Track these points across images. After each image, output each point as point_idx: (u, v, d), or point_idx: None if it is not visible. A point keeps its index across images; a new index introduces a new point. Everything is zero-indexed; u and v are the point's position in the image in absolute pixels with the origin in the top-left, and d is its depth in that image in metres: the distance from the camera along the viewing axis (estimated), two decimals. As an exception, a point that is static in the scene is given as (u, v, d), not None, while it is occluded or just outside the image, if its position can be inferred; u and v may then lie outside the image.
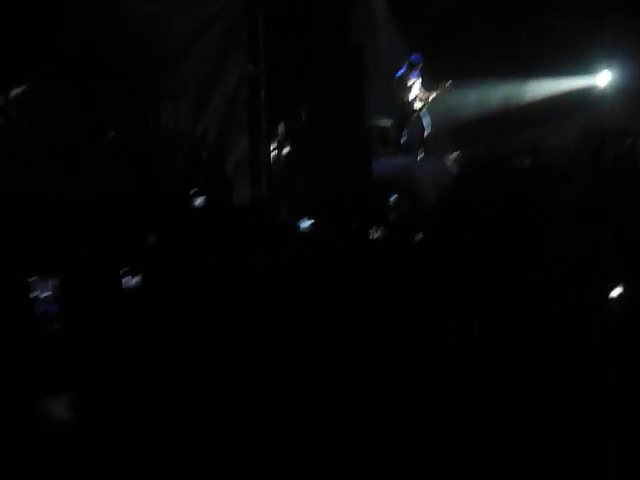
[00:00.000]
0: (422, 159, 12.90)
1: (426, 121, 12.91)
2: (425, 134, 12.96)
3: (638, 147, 13.31)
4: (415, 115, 12.87)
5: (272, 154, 11.81)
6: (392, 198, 10.50)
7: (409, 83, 12.69)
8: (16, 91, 10.27)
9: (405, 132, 12.96)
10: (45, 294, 4.76)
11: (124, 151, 10.68)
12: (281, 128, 11.72)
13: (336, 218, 9.91)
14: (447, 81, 12.67)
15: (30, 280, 4.75)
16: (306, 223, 9.55)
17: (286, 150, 11.79)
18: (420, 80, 12.78)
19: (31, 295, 4.69)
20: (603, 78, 13.67)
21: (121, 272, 5.91)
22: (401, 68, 12.72)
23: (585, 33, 12.90)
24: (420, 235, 8.51)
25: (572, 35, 13.18)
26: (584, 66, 13.55)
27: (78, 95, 10.41)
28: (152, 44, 10.91)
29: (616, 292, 3.50)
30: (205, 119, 11.29)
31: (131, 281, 6.02)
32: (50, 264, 5.22)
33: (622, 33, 12.65)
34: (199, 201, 9.87)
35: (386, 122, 13.28)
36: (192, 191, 9.88)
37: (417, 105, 12.80)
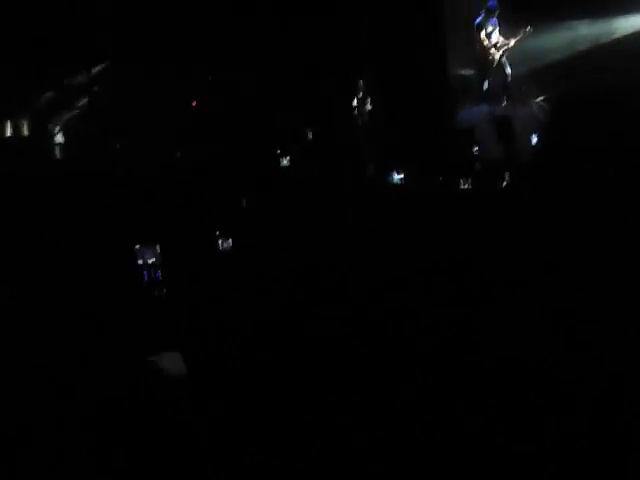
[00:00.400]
0: (506, 106, 12.79)
1: (508, 67, 12.77)
2: (508, 80, 12.83)
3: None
4: (496, 62, 12.74)
5: (355, 111, 11.91)
6: (476, 148, 10.52)
7: (488, 30, 12.57)
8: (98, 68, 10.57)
9: (487, 80, 12.85)
10: (151, 261, 4.94)
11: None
12: (362, 83, 11.79)
13: (423, 170, 9.99)
14: (527, 26, 12.48)
15: (136, 247, 4.93)
16: (395, 177, 9.66)
17: (369, 106, 11.87)
18: (499, 26, 12.63)
19: (138, 262, 4.86)
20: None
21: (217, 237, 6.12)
22: (479, 15, 12.59)
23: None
24: (505, 183, 8.54)
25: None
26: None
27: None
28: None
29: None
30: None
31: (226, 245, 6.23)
32: (153, 233, 5.38)
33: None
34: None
35: (468, 71, 13.19)
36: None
37: (498, 52, 12.67)
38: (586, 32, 13.62)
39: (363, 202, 8.71)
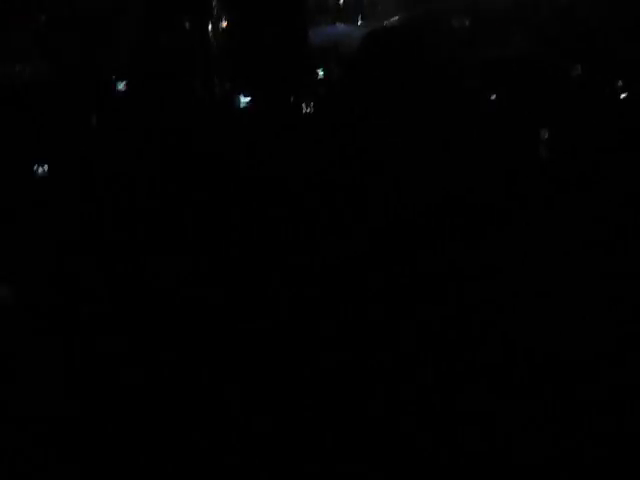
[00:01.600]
0: (361, 25, 12.76)
1: (364, -16, 12.72)
2: (363, -1, 12.79)
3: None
4: (351, -21, 12.67)
5: (209, 28, 11.65)
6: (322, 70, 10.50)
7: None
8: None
9: (342, -2, 12.77)
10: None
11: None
12: (215, 1, 11.52)
13: (273, 92, 9.93)
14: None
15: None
16: (245, 98, 9.57)
17: (222, 24, 11.63)
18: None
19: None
20: None
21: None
22: None
23: None
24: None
25: None
26: None
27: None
28: None
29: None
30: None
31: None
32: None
33: None
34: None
35: (322, -13, 13.06)
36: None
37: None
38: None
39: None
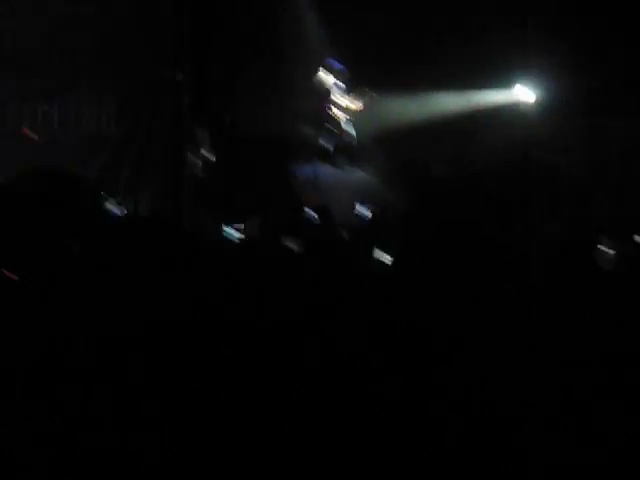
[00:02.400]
0: (345, 169, 12.85)
1: (350, 130, 12.85)
2: (349, 143, 12.91)
3: (561, 161, 13.48)
4: (339, 124, 12.81)
5: (194, 160, 11.66)
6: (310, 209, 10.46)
7: (333, 92, 12.63)
8: None
9: (329, 141, 12.88)
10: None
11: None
12: (203, 134, 11.58)
13: (256, 227, 9.81)
14: (371, 91, 12.62)
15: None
16: (230, 231, 9.41)
17: (207, 156, 11.65)
18: (344, 89, 12.72)
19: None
20: (527, 92, 13.83)
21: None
22: (325, 76, 12.64)
23: (509, 47, 13.04)
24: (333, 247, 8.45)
25: (496, 49, 13.26)
26: (508, 80, 13.67)
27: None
28: (73, 44, 10.76)
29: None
30: (128, 123, 11.13)
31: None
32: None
33: (545, 49, 12.83)
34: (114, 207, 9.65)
35: (309, 130, 13.19)
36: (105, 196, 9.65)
37: (341, 114, 12.75)
38: (425, 104, 13.95)
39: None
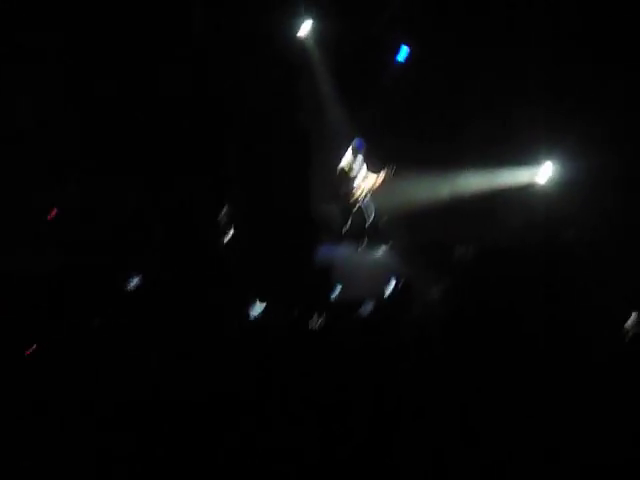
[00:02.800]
0: (364, 248, 12.86)
1: (370, 209, 12.89)
2: (369, 222, 12.94)
3: (580, 238, 13.47)
4: (359, 202, 12.85)
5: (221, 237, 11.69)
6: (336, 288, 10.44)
7: (354, 169, 12.70)
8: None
9: (349, 219, 12.91)
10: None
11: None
12: (225, 212, 11.62)
13: (280, 304, 9.78)
14: (392, 169, 12.68)
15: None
16: (256, 308, 9.39)
17: (231, 233, 11.68)
18: (365, 167, 12.80)
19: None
20: (545, 171, 13.94)
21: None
22: (346, 154, 12.73)
23: (528, 128, 13.18)
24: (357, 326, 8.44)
25: (516, 129, 13.40)
26: (527, 160, 13.79)
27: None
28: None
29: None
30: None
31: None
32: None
33: (562, 129, 12.97)
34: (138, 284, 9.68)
35: (331, 209, 13.25)
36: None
37: (361, 192, 12.79)
38: (446, 183, 14.06)
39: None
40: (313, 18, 13.45)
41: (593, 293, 9.90)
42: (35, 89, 11.00)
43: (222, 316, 9.88)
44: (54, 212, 10.75)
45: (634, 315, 8.64)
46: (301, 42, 13.50)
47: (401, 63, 14.18)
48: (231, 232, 11.67)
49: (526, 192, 13.88)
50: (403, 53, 14.15)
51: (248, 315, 8.93)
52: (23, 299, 7.48)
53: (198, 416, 4.50)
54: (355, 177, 12.72)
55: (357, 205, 12.85)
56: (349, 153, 12.69)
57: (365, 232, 12.96)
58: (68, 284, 8.25)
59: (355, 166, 12.71)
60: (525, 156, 13.75)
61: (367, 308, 9.40)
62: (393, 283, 11.06)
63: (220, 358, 6.78)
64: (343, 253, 12.58)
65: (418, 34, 13.83)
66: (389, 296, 10.58)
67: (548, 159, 13.76)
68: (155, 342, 6.96)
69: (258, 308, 8.64)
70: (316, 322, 9.13)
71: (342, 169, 12.70)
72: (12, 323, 6.80)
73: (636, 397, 3.72)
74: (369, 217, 12.94)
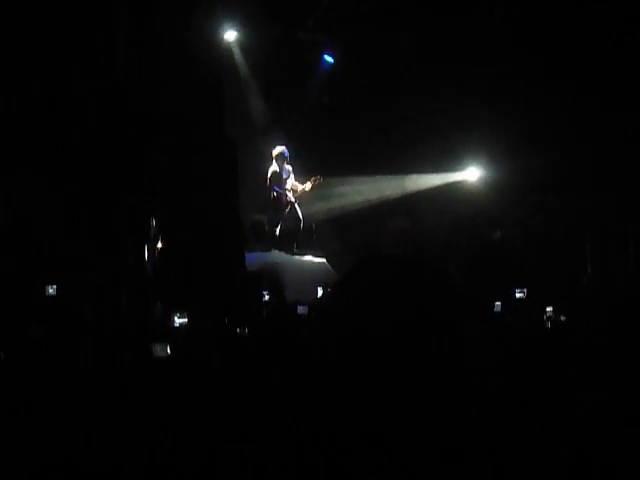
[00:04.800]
0: (296, 253, 12.92)
1: (300, 214, 12.96)
2: (300, 226, 13.01)
3: (506, 237, 13.73)
4: (289, 208, 12.91)
5: (146, 249, 11.60)
6: (265, 294, 10.48)
7: (281, 176, 12.77)
8: None
9: (279, 225, 12.96)
10: None
11: None
12: (153, 222, 11.55)
13: (209, 313, 9.79)
14: (318, 175, 12.78)
15: None
16: (181, 319, 9.38)
17: (159, 244, 11.62)
18: (292, 174, 12.87)
19: None
20: (472, 173, 14.17)
21: None
22: (273, 161, 12.80)
23: (456, 131, 13.39)
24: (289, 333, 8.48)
25: (444, 132, 13.60)
26: (455, 162, 14.00)
27: None
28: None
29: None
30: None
31: None
32: None
33: (490, 132, 13.19)
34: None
35: (260, 216, 13.29)
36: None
37: (290, 199, 12.86)
38: (373, 187, 14.22)
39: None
40: (239, 23, 13.47)
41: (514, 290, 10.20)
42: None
43: (149, 328, 9.87)
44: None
45: (549, 309, 8.97)
46: (227, 48, 13.52)
47: (327, 67, 14.30)
48: (159, 244, 11.63)
49: (453, 194, 14.10)
50: (328, 59, 14.27)
51: (175, 326, 8.91)
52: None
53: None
54: (283, 184, 12.79)
55: (286, 211, 12.92)
56: (276, 161, 12.76)
57: (294, 238, 13.02)
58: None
59: (283, 173, 12.79)
60: (451, 159, 13.98)
61: (298, 313, 9.48)
62: (321, 290, 11.17)
63: (149, 370, 6.78)
64: (274, 259, 12.63)
65: (343, 37, 13.96)
66: (318, 301, 10.70)
67: (474, 162, 14.01)
68: (80, 352, 6.94)
69: (182, 319, 8.62)
70: (245, 330, 9.17)
71: (270, 176, 12.76)
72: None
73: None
74: (300, 221, 13.01)
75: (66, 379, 5.84)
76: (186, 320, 8.92)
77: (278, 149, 12.76)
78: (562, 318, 8.77)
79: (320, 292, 10.94)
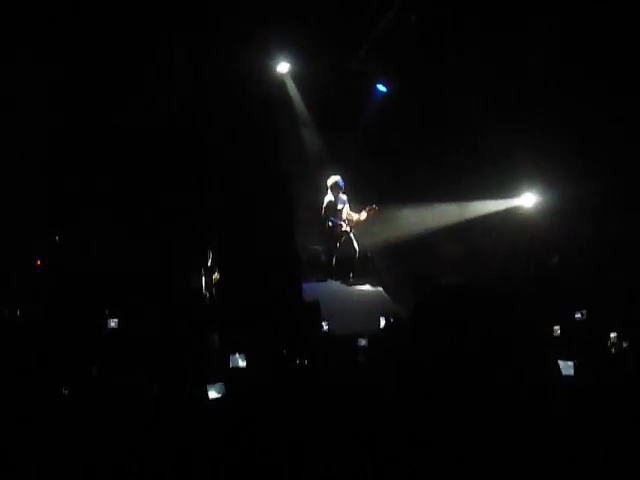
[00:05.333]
0: (353, 282, 12.90)
1: (355, 244, 12.96)
2: (356, 256, 13.00)
3: (563, 262, 13.59)
4: (344, 238, 12.92)
5: (203, 280, 11.69)
6: (325, 324, 10.46)
7: (338, 207, 12.80)
8: None
9: (335, 256, 12.97)
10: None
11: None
12: (210, 254, 11.65)
13: (267, 345, 9.80)
14: (374, 204, 12.79)
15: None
16: (238, 355, 9.38)
17: (216, 276, 11.69)
18: (347, 204, 12.90)
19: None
20: (528, 199, 14.08)
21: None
22: (328, 191, 12.84)
23: (510, 158, 13.33)
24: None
25: (498, 159, 13.55)
26: (510, 189, 13.94)
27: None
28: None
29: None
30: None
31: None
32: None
33: (544, 159, 13.11)
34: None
35: (316, 247, 13.32)
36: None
37: (345, 228, 12.87)
38: (429, 216, 14.19)
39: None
40: (291, 55, 13.59)
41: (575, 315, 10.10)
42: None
43: (208, 363, 9.91)
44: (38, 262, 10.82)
45: (613, 335, 8.84)
46: (280, 80, 13.64)
47: (379, 97, 14.35)
48: (215, 276, 11.70)
49: (509, 221, 14.03)
50: (381, 89, 14.33)
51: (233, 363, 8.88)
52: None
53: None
54: (338, 214, 12.81)
55: (341, 241, 12.93)
56: (331, 190, 12.80)
57: (350, 268, 13.01)
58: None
59: (338, 203, 12.82)
60: (506, 186, 13.91)
61: (359, 344, 9.43)
62: (383, 320, 11.12)
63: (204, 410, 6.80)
64: (330, 290, 12.63)
65: (396, 68, 14.00)
66: (381, 331, 10.66)
67: (530, 188, 13.93)
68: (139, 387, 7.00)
69: (241, 358, 8.56)
70: (304, 361, 9.15)
71: (325, 207, 12.80)
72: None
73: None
74: (355, 251, 13.01)
75: (128, 414, 5.89)
76: (244, 363, 8.81)
77: (333, 179, 12.82)
78: (624, 345, 8.66)
79: (383, 322, 10.89)
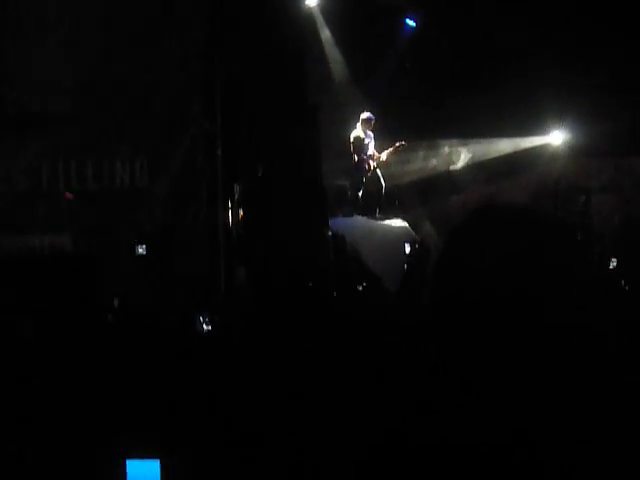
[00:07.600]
0: (379, 217, 12.91)
1: (382, 179, 12.94)
2: (382, 192, 12.99)
3: (591, 203, 13.54)
4: (371, 174, 12.90)
5: (229, 214, 11.70)
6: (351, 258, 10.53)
7: (364, 142, 12.74)
8: None
9: (362, 191, 12.95)
10: None
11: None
12: (237, 188, 11.64)
13: (293, 279, 9.86)
14: (402, 140, 12.73)
15: None
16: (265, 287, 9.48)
17: (242, 211, 11.69)
18: (373, 140, 12.84)
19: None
20: (556, 137, 13.97)
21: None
22: (356, 126, 12.78)
23: (539, 94, 13.19)
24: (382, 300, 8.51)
25: (527, 96, 13.41)
26: (538, 126, 13.82)
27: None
28: (109, 104, 10.95)
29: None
30: (162, 177, 11.26)
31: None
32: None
33: (572, 95, 12.98)
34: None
35: (343, 181, 13.31)
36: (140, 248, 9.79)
37: (373, 164, 12.84)
38: (456, 153, 14.15)
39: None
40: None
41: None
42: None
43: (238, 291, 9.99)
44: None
45: None
46: (308, 12, 13.52)
47: (409, 31, 14.20)
48: (241, 211, 11.70)
49: (536, 158, 13.97)
50: (410, 23, 14.18)
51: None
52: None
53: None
54: (365, 149, 12.77)
55: (368, 176, 12.90)
56: (359, 125, 12.75)
57: (377, 203, 13.01)
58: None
59: (366, 138, 12.76)
60: (535, 123, 13.79)
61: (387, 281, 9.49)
62: (408, 249, 11.16)
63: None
64: (356, 224, 12.64)
65: (425, 2, 13.85)
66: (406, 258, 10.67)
67: (559, 125, 13.83)
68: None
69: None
70: (331, 294, 9.21)
71: (353, 141, 12.75)
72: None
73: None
74: (382, 187, 12.98)
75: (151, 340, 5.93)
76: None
77: (365, 114, 12.73)
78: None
79: (408, 249, 10.90)
